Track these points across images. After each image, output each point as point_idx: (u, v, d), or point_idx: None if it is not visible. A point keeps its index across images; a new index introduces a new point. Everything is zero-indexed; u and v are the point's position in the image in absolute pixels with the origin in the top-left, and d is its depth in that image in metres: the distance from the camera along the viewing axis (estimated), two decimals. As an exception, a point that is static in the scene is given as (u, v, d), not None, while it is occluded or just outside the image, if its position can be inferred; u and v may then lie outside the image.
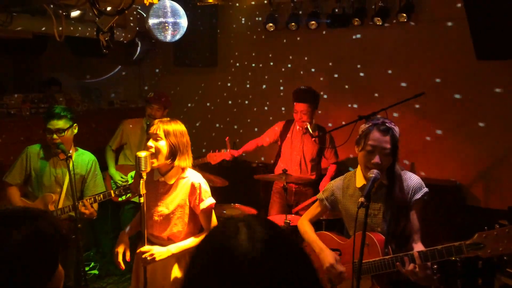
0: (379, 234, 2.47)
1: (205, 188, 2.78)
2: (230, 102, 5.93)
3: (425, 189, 2.49)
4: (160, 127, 2.65)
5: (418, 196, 2.46)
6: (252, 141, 4.61)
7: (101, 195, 3.36)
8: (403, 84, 4.82)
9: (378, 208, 2.50)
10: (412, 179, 2.51)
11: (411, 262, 2.23)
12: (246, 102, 5.84)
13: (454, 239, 3.88)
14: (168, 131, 2.66)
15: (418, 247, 2.41)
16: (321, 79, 5.30)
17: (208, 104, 6.12)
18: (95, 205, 3.39)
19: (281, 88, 5.57)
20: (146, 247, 2.61)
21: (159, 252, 2.64)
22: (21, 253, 1.16)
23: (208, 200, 2.76)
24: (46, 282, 1.21)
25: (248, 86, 5.81)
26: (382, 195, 2.50)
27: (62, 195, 3.41)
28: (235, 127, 5.92)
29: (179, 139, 2.68)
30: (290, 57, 5.50)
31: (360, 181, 2.56)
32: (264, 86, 5.71)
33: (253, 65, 5.75)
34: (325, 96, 5.21)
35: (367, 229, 2.50)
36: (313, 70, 5.37)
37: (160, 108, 4.47)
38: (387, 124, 2.41)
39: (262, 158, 5.72)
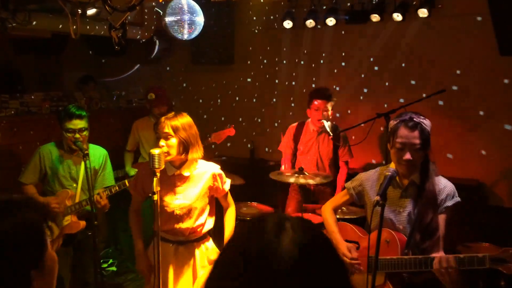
0: (403, 235, 2.44)
1: (222, 172, 2.90)
2: (254, 99, 5.89)
3: (458, 199, 2.45)
4: (168, 124, 2.64)
5: (450, 203, 2.42)
6: (286, 160, 4.46)
7: (116, 186, 3.42)
8: (424, 81, 4.71)
9: (405, 206, 2.46)
10: (447, 185, 2.47)
11: (428, 266, 2.19)
12: (265, 98, 5.80)
13: (476, 239, 3.81)
14: (177, 126, 2.65)
15: (439, 254, 2.36)
16: (335, 71, 5.24)
17: (227, 101, 6.09)
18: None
19: (300, 84, 5.51)
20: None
21: None
22: (7, 243, 1.17)
23: (228, 181, 2.93)
24: (34, 268, 1.22)
25: (265, 83, 5.76)
26: (412, 193, 2.45)
27: (78, 190, 3.50)
28: (258, 120, 5.88)
29: (189, 132, 2.68)
30: (308, 54, 5.43)
31: None
32: (285, 83, 5.64)
33: (271, 61, 5.70)
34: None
35: (389, 225, 2.45)
36: (329, 66, 5.30)
37: (167, 104, 4.60)
38: (414, 119, 2.36)
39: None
